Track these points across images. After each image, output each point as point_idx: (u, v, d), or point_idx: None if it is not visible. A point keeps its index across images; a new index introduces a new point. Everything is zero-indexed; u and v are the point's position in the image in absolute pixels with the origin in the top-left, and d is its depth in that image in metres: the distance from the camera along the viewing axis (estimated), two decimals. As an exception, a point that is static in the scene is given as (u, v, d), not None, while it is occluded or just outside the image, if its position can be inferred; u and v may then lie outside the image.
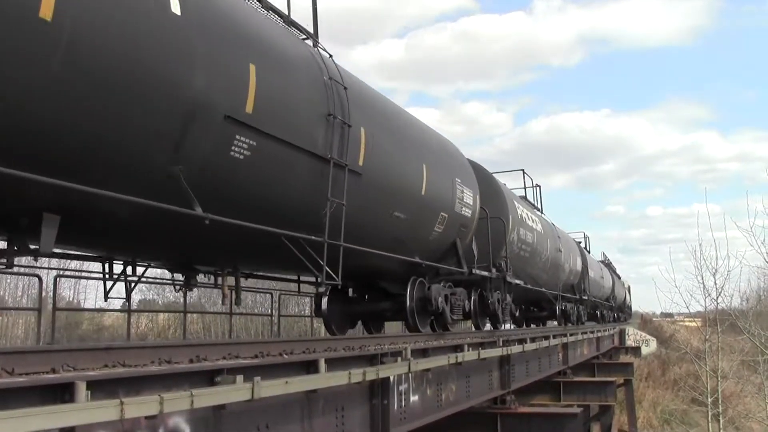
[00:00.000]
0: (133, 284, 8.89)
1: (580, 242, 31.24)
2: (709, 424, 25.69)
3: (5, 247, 5.68)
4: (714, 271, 25.80)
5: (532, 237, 17.49)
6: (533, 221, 18.10)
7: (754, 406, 29.04)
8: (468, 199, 12.13)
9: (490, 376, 10.67)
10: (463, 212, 11.87)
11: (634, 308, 54.13)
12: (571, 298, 24.72)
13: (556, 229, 22.66)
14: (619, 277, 48.48)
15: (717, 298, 25.95)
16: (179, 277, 8.55)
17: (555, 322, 24.53)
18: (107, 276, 8.13)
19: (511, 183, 21.41)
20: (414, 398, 7.52)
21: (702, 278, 26.24)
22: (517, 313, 21.89)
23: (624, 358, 31.21)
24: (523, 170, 20.70)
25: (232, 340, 7.26)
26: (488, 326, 15.13)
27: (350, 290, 12.08)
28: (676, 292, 29.07)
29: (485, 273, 13.40)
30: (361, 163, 8.41)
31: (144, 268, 8.66)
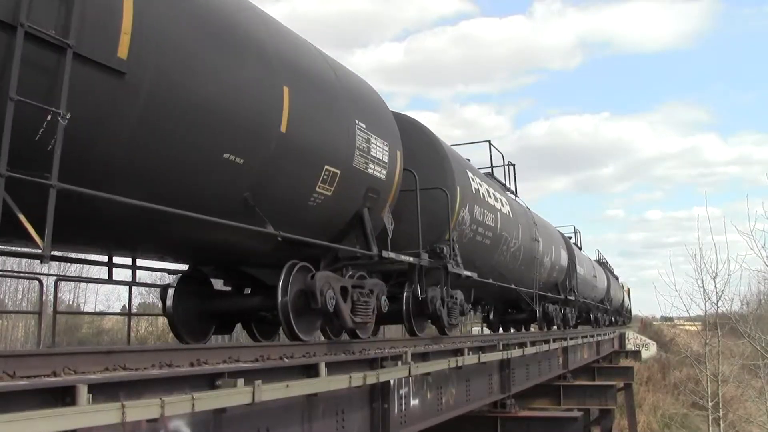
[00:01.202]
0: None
1: (570, 237, 28.53)
2: (710, 428, 25.65)
3: None
4: (714, 274, 25.75)
5: (494, 219, 13.60)
6: (498, 201, 14.37)
7: (755, 410, 28.98)
8: (381, 154, 8.54)
9: (490, 379, 10.67)
10: (371, 171, 8.28)
11: (633, 312, 53.97)
12: (556, 299, 21.15)
13: (533, 216, 18.85)
14: (617, 278, 46.50)
15: (717, 301, 25.90)
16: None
17: (542, 326, 20.58)
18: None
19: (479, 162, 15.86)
20: (414, 402, 7.52)
21: (702, 282, 26.19)
22: (491, 315, 20.18)
23: (624, 362, 31.21)
24: (489, 142, 16.81)
25: (232, 343, 7.28)
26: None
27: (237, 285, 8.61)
28: (676, 296, 28.91)
29: (408, 259, 9.44)
30: (124, 54, 4.76)
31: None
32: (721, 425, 25.19)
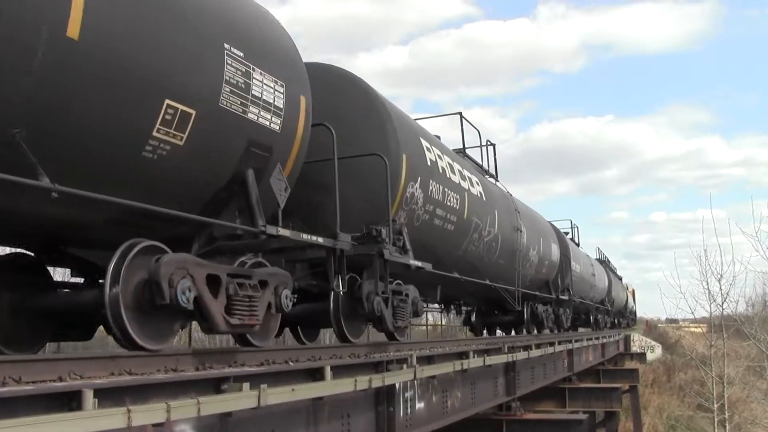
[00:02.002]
0: None
1: (567, 233, 26.34)
2: (715, 430, 25.61)
3: None
4: (719, 276, 25.77)
5: (459, 201, 11.12)
6: (467, 180, 11.90)
7: (761, 412, 28.94)
8: (272, 96, 6.19)
9: (495, 382, 10.66)
10: (254, 118, 5.93)
11: (638, 314, 53.85)
12: (546, 298, 18.74)
13: (515, 202, 15.97)
14: (620, 279, 45.13)
15: (722, 303, 25.91)
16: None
17: (530, 329, 18.23)
18: None
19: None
20: (420, 405, 7.51)
21: (707, 284, 26.22)
22: (473, 317, 18.22)
23: (629, 364, 31.14)
24: (460, 114, 14.19)
25: (238, 347, 7.20)
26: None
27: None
28: (681, 298, 28.93)
29: (316, 240, 6.83)
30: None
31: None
32: (727, 427, 25.16)
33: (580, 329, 27.82)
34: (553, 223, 22.40)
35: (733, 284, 25.74)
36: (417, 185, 9.42)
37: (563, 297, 20.11)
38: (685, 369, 37.32)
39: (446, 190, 10.60)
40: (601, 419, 20.25)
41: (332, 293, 7.84)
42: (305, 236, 6.66)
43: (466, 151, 14.40)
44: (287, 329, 9.09)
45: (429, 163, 10.09)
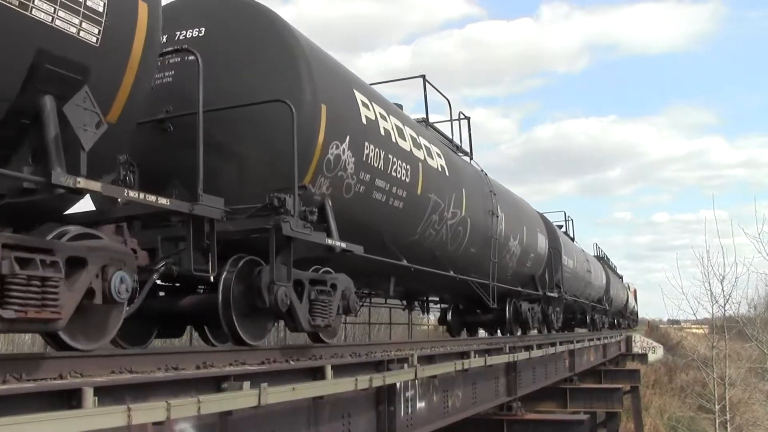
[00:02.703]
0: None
1: (561, 227, 24.41)
2: (717, 431, 25.57)
3: None
4: (721, 277, 25.68)
5: (409, 173, 9.03)
6: (422, 150, 9.78)
7: (762, 413, 28.90)
8: None
9: (496, 382, 10.65)
10: (42, 16, 4.03)
11: (640, 315, 53.76)
12: (533, 296, 16.59)
13: (491, 183, 13.51)
14: (620, 277, 44.13)
15: (724, 305, 25.83)
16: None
17: (513, 330, 15.74)
18: None
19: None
20: (420, 405, 7.50)
21: (709, 285, 26.13)
22: (448, 316, 16.28)
23: (631, 365, 31.15)
24: (423, 77, 12.02)
25: (238, 347, 7.16)
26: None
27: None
28: (683, 299, 28.84)
29: (162, 204, 4.94)
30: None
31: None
32: (728, 428, 25.11)
33: (578, 330, 26.87)
34: (544, 214, 20.15)
35: (735, 285, 25.67)
36: (345, 147, 7.41)
37: (552, 294, 17.85)
38: (687, 370, 37.28)
39: (391, 157, 8.45)
40: (602, 420, 20.27)
41: (221, 282, 6.12)
42: (132, 194, 4.69)
43: (455, 141, 12.99)
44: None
45: (365, 122, 8.05)
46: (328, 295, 7.01)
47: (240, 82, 6.66)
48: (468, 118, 13.59)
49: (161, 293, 6.87)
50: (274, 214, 6.10)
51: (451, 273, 11.11)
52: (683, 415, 33.78)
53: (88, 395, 3.28)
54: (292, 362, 5.67)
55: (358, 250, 7.19)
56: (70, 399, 3.29)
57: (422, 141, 9.91)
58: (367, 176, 7.92)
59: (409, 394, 7.19)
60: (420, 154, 9.62)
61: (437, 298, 16.49)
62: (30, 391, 3.22)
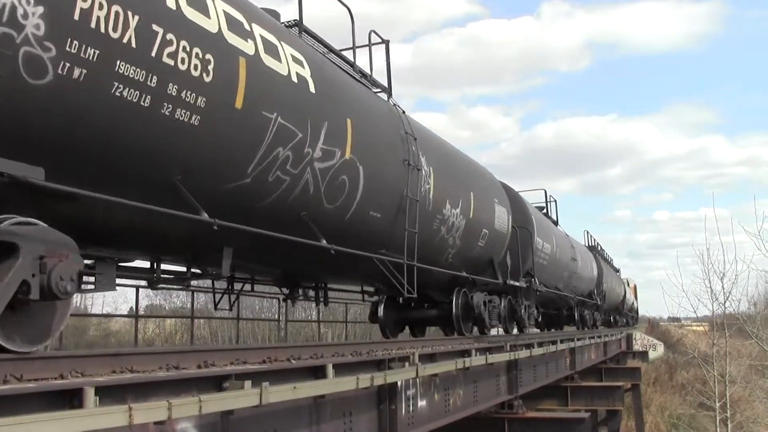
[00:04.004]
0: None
1: (543, 208, 21.31)
2: (717, 428, 25.59)
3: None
4: (722, 275, 25.75)
5: (213, 72, 5.51)
6: (252, 41, 6.16)
7: (763, 410, 28.90)
8: None
9: (497, 380, 10.65)
10: None
11: (641, 312, 53.68)
12: (490, 286, 13.13)
13: (411, 125, 9.69)
14: (617, 271, 41.42)
15: (725, 302, 25.90)
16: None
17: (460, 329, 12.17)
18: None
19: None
20: (422, 403, 7.50)
21: (709, 282, 26.19)
22: (380, 310, 12.20)
23: (631, 363, 31.15)
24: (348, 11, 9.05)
25: (239, 345, 7.14)
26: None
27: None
28: (683, 297, 28.95)
29: None
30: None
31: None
32: (729, 426, 25.13)
33: (567, 329, 24.27)
34: (512, 188, 16.15)
35: (735, 283, 25.74)
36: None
37: (517, 283, 14.35)
38: (688, 368, 37.29)
39: (157, 30, 4.98)
40: (603, 418, 20.25)
41: None
42: None
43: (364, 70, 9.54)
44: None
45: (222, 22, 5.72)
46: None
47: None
48: (386, 42, 10.21)
49: None
50: None
51: (324, 243, 7.36)
52: (684, 413, 33.81)
53: (89, 395, 3.27)
54: (293, 361, 5.66)
55: (14, 169, 4.14)
56: (71, 399, 3.29)
57: (260, 32, 6.36)
58: (93, 52, 4.46)
59: (410, 392, 7.19)
60: (247, 46, 6.04)
61: (314, 283, 11.09)
62: (31, 391, 3.21)
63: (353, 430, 6.08)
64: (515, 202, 15.20)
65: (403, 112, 9.88)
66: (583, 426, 11.94)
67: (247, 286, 11.03)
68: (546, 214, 21.05)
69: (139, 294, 13.10)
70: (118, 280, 7.20)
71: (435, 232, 10.37)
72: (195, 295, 16.10)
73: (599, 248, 33.28)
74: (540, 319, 22.50)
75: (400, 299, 12.08)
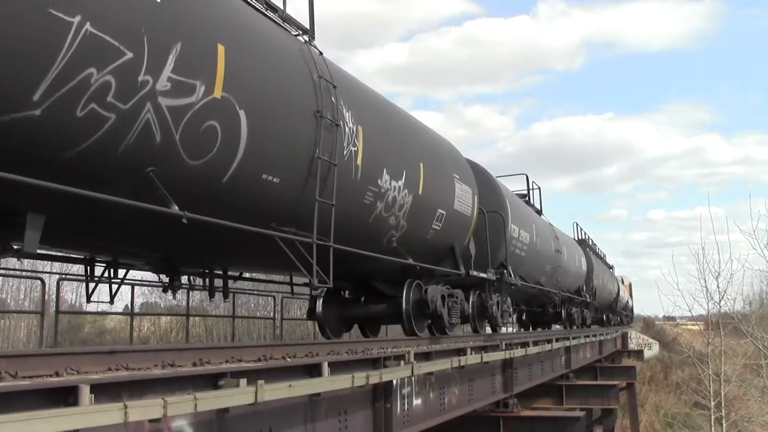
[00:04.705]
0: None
1: (524, 196, 19.25)
2: (712, 427, 25.62)
3: None
4: (717, 274, 25.73)
5: None
6: None
7: (757, 409, 28.93)
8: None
9: (492, 379, 10.66)
10: None
11: (636, 311, 53.65)
12: (451, 277, 11.23)
13: (327, 69, 7.64)
14: (610, 267, 40.12)
15: (720, 301, 25.91)
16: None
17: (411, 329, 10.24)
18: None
19: None
20: (417, 401, 7.51)
21: (705, 281, 26.17)
22: (319, 306, 10.21)
23: (627, 362, 31.24)
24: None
25: (235, 343, 7.12)
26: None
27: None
28: (678, 296, 28.96)
29: None
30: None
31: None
32: (724, 425, 25.17)
33: (556, 327, 22.86)
34: (486, 169, 14.32)
35: (730, 282, 25.73)
36: None
37: (482, 275, 12.19)
38: (683, 366, 37.31)
39: None
40: (598, 416, 20.27)
41: None
42: None
43: None
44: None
45: None
46: None
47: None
48: None
49: None
50: None
51: (175, 209, 5.32)
52: (679, 412, 33.86)
53: (85, 392, 3.27)
54: (288, 359, 5.66)
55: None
56: (66, 396, 3.28)
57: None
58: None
59: (405, 391, 7.19)
60: None
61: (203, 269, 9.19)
62: (26, 389, 3.20)
63: (348, 429, 6.08)
64: (486, 183, 13.47)
65: (321, 54, 7.83)
66: (578, 425, 11.96)
67: (247, 286, 10.93)
68: (528, 202, 19.21)
69: (135, 292, 13.11)
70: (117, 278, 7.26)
71: (367, 208, 8.25)
72: (190, 293, 16.08)
73: (590, 242, 31.70)
74: (524, 318, 22.14)
75: (346, 293, 10.87)
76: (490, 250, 12.50)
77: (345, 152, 7.62)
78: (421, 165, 9.61)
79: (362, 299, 10.81)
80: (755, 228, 23.21)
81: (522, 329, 22.10)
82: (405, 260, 9.39)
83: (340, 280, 8.26)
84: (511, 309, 13.87)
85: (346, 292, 10.94)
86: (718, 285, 25.64)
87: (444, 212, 10.38)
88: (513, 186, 19.37)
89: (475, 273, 11.74)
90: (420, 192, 9.47)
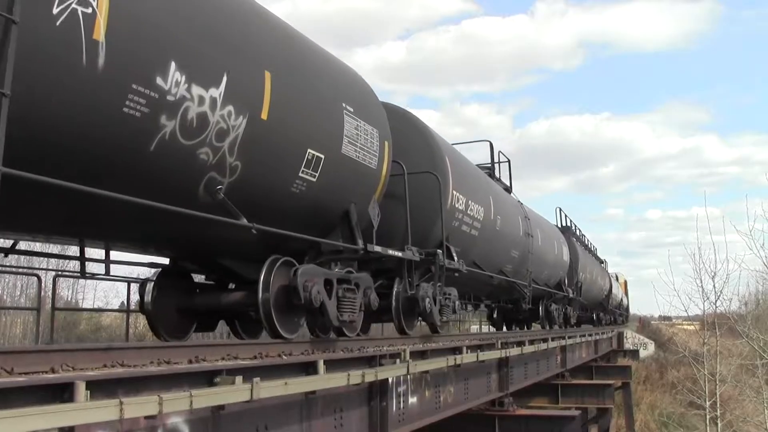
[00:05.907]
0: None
1: (488, 168, 15.37)
2: (707, 427, 25.67)
3: None
4: (713, 274, 25.75)
5: None
6: None
7: (752, 409, 29.00)
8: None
9: (488, 378, 10.67)
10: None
11: (632, 311, 53.70)
12: (344, 254, 7.80)
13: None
14: (601, 262, 36.83)
15: (716, 301, 25.94)
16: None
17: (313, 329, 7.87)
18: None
19: None
20: (412, 400, 7.52)
21: (701, 282, 26.19)
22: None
23: (622, 361, 31.28)
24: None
25: (231, 341, 7.09)
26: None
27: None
28: (674, 296, 28.97)
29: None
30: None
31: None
32: (719, 425, 25.21)
33: (536, 327, 20.19)
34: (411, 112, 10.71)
35: (726, 282, 25.74)
36: None
37: (395, 253, 8.63)
38: (678, 366, 37.37)
39: None
40: (593, 416, 20.30)
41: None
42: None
43: None
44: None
45: None
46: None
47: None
48: None
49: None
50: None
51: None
52: (674, 411, 33.88)
53: (81, 389, 3.26)
54: (284, 357, 5.67)
55: None
56: (62, 393, 3.28)
57: None
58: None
59: (401, 389, 7.20)
60: None
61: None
62: (21, 385, 3.20)
63: (344, 426, 6.09)
64: (413, 132, 10.31)
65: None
66: (573, 424, 11.99)
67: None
68: (492, 175, 15.39)
69: (131, 288, 13.06)
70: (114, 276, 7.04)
71: (134, 123, 4.68)
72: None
73: (577, 232, 28.03)
74: (495, 315, 19.22)
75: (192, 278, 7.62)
76: (413, 221, 9.20)
77: (55, 8, 3.99)
78: (268, 74, 6.08)
79: (231, 286, 7.55)
80: (752, 228, 23.25)
81: (494, 329, 19.60)
82: (239, 221, 5.86)
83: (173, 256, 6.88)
84: (457, 303, 10.71)
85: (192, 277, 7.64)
86: (714, 285, 25.66)
87: (321, 156, 6.93)
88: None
89: (378, 249, 8.03)
90: (264, 116, 6.01)
